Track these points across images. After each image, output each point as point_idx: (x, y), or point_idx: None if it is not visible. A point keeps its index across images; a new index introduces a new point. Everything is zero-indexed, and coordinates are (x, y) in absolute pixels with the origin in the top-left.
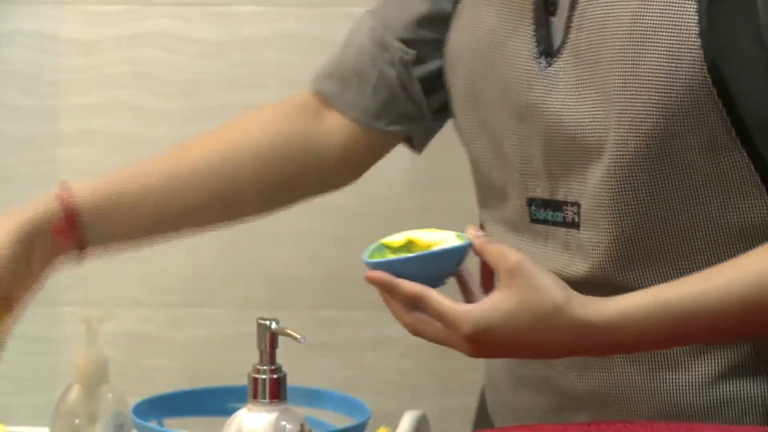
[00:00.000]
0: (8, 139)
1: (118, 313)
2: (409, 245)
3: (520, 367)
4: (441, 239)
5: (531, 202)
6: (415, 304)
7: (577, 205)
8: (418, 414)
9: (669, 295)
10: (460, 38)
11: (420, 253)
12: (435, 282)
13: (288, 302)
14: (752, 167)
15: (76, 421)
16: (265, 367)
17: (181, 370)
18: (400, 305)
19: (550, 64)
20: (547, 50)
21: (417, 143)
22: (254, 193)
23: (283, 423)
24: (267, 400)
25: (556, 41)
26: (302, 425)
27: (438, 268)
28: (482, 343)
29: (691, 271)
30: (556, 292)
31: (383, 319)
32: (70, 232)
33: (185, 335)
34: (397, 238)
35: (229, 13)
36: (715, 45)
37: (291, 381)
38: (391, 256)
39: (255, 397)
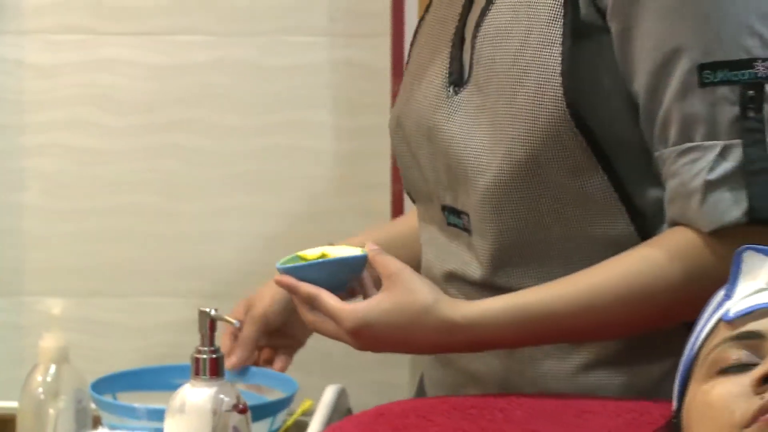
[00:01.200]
0: None
1: (77, 301)
2: (321, 257)
3: None
4: (347, 253)
5: (444, 208)
6: (311, 303)
7: (467, 215)
8: (337, 388)
9: (525, 299)
10: (406, 74)
11: (319, 260)
12: (337, 287)
13: (226, 292)
14: (612, 189)
15: (41, 396)
16: (205, 349)
17: (133, 352)
18: (304, 306)
19: (456, 93)
20: (458, 80)
21: None
22: None
23: (221, 396)
24: (207, 377)
25: (466, 73)
26: (237, 398)
27: (337, 274)
28: (363, 337)
29: None
30: (427, 295)
31: None
32: None
33: (137, 321)
34: (313, 252)
35: (174, 42)
36: (574, 83)
37: None
38: (282, 264)
39: (197, 374)
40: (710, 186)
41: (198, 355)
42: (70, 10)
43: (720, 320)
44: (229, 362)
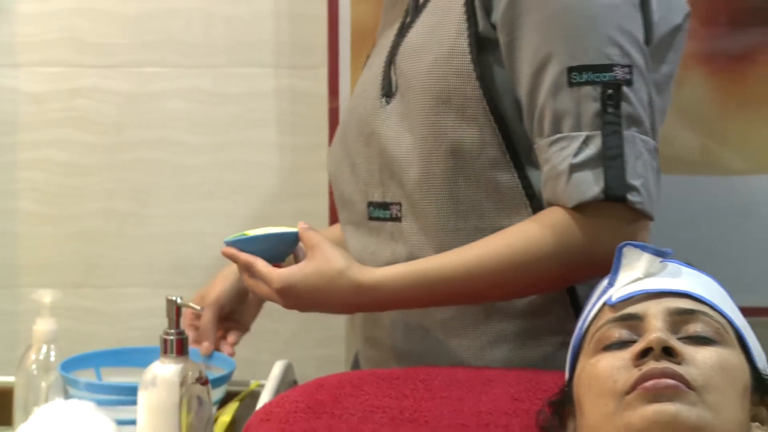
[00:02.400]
0: None
1: (64, 292)
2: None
3: (365, 329)
4: (283, 230)
5: (369, 204)
6: (249, 270)
7: (399, 204)
8: (284, 363)
9: (421, 265)
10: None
11: (257, 234)
12: (276, 259)
13: (189, 283)
14: (520, 184)
15: (35, 372)
16: (172, 331)
17: (111, 335)
18: (245, 273)
19: (388, 103)
20: (388, 92)
21: None
22: None
23: (187, 372)
24: (174, 355)
25: (394, 86)
26: (200, 372)
27: (274, 247)
28: (288, 296)
29: None
30: (340, 261)
31: None
32: None
33: (114, 308)
34: (257, 231)
35: (142, 73)
36: (489, 84)
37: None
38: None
39: (165, 352)
40: (574, 168)
41: (166, 337)
42: (55, 46)
43: (604, 304)
44: (204, 349)
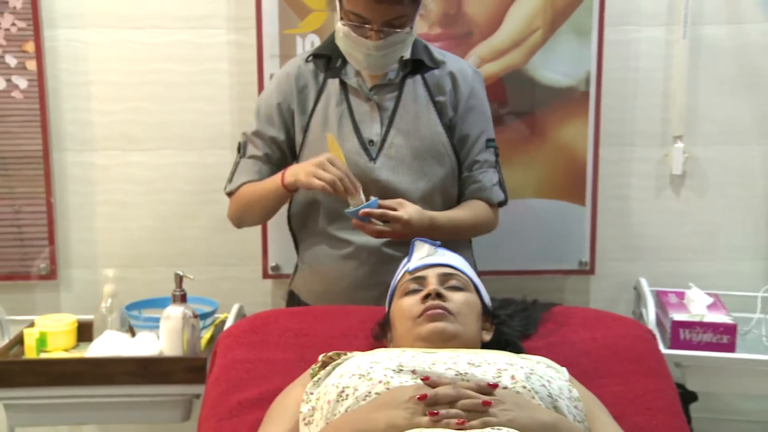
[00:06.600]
0: (81, 203)
1: (120, 269)
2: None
3: (361, 291)
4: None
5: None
6: (383, 217)
7: None
8: (239, 305)
9: (448, 214)
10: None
11: (370, 201)
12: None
13: (188, 263)
14: (457, 194)
15: (104, 312)
16: (177, 290)
17: (144, 293)
18: (375, 223)
19: (375, 163)
20: (373, 158)
21: None
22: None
23: (186, 311)
24: (179, 302)
25: (374, 154)
26: (193, 312)
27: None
28: (410, 225)
29: None
30: (419, 207)
31: (230, 268)
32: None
33: (148, 278)
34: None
35: (161, 153)
36: (456, 150)
37: (189, 294)
38: (352, 209)
39: (174, 301)
40: (494, 185)
41: (174, 293)
42: (114, 140)
43: (405, 271)
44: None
